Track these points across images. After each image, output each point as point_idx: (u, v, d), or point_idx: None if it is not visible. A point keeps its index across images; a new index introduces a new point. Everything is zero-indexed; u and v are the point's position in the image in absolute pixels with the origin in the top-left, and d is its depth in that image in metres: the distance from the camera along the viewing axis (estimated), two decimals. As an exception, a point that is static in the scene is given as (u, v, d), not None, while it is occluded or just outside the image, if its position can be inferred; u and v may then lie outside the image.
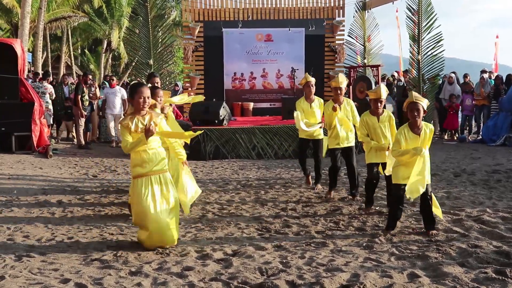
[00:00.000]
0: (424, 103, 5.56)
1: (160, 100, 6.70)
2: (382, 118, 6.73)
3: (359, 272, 4.36)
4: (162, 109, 6.80)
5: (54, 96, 15.55)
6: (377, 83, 15.63)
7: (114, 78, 15.20)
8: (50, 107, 15.20)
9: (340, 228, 6.08)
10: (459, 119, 16.47)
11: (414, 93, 5.63)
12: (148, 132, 5.09)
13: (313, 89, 8.43)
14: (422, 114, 5.54)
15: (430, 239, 5.42)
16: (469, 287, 4.03)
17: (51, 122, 15.68)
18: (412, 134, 5.59)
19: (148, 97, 5.26)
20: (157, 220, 5.12)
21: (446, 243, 5.20)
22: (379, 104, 6.65)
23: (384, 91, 6.62)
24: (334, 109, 7.55)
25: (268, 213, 6.88)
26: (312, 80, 8.43)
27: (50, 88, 15.40)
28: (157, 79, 7.85)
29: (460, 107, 16.40)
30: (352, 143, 7.81)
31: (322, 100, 8.51)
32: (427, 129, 5.61)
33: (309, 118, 8.35)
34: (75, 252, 5.12)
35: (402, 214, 5.97)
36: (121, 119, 5.51)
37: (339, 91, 7.67)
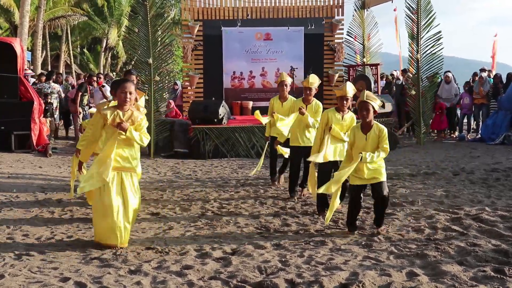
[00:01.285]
0: (375, 103, 5.52)
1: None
2: (346, 117, 6.67)
3: (358, 270, 4.37)
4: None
5: (63, 95, 15.61)
6: (376, 81, 15.66)
7: (101, 76, 15.29)
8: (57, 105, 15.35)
9: (339, 227, 6.10)
10: (460, 118, 16.51)
11: (367, 92, 5.60)
12: (121, 125, 5.12)
13: (287, 89, 8.41)
14: (371, 114, 5.52)
15: (428, 238, 5.43)
16: (468, 285, 4.04)
17: (58, 120, 15.77)
18: (361, 134, 5.60)
19: (130, 93, 5.25)
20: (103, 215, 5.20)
21: (444, 242, 5.22)
22: (344, 102, 6.60)
23: (350, 89, 6.57)
24: (302, 113, 7.47)
25: (267, 212, 6.89)
26: (288, 80, 8.41)
27: (58, 87, 15.46)
28: (133, 77, 7.58)
29: (459, 106, 16.44)
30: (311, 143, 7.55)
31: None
32: (377, 130, 5.57)
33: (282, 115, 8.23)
34: (74, 251, 5.13)
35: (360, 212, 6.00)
36: (100, 104, 5.49)
37: (308, 91, 7.63)
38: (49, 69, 29.66)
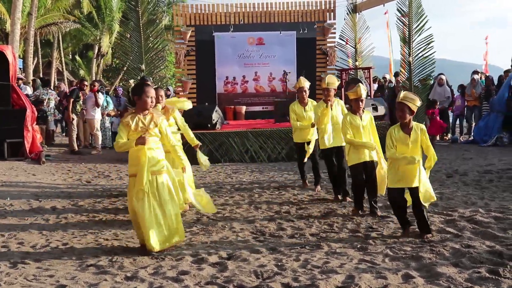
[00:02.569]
0: (410, 103, 5.53)
1: (161, 100, 6.82)
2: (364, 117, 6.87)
3: (354, 273, 4.39)
4: (166, 110, 6.92)
5: (57, 102, 15.70)
6: (369, 85, 15.69)
7: (96, 84, 15.30)
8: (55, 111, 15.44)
9: (334, 230, 6.11)
10: (452, 120, 16.54)
11: (405, 93, 5.62)
12: (140, 140, 5.13)
13: (307, 94, 8.55)
14: (407, 114, 5.53)
15: (423, 240, 5.46)
16: (463, 287, 4.07)
17: (54, 126, 15.82)
18: (403, 134, 5.61)
19: (154, 97, 5.37)
20: (143, 220, 5.19)
21: (439, 244, 5.24)
22: (360, 104, 6.76)
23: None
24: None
25: (262, 216, 6.90)
26: (306, 85, 8.53)
27: (54, 94, 15.46)
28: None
29: (451, 108, 16.50)
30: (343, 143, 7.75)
31: (314, 102, 8.60)
32: (418, 129, 5.60)
33: (303, 121, 8.53)
34: (70, 258, 5.12)
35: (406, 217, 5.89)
36: (125, 115, 5.51)
37: (326, 92, 7.80)
38: (41, 76, 29.62)
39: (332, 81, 7.80)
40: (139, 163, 5.21)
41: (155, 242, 5.18)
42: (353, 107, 6.79)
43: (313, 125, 8.27)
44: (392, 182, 5.68)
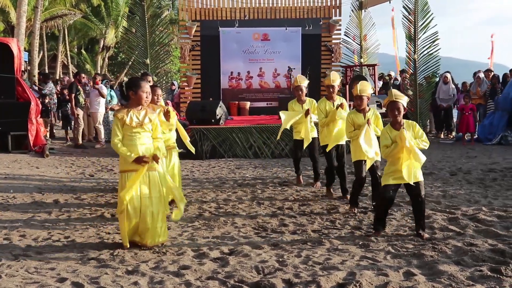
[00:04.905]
0: (404, 101, 5.51)
1: (158, 99, 6.74)
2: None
3: (355, 270, 4.38)
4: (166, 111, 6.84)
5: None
6: (374, 82, 15.66)
7: (98, 77, 15.22)
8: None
9: (336, 227, 6.10)
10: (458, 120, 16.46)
11: (394, 91, 5.60)
12: (139, 159, 5.11)
13: (304, 92, 8.46)
14: (402, 112, 5.50)
15: (420, 237, 5.44)
16: (465, 285, 4.05)
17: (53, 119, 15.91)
18: (397, 133, 5.54)
19: (149, 93, 5.34)
20: (132, 217, 5.17)
21: (441, 242, 5.23)
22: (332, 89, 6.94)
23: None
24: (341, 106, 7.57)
25: (264, 212, 6.89)
26: (303, 84, 8.45)
27: (53, 87, 15.52)
28: (150, 78, 7.67)
29: (456, 106, 16.44)
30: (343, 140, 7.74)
31: (314, 101, 8.47)
32: (410, 126, 5.54)
33: (301, 118, 8.41)
34: (71, 252, 5.13)
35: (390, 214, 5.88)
36: (116, 110, 5.49)
37: (331, 89, 7.72)
38: (46, 70, 29.67)
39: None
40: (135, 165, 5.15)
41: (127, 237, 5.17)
42: (354, 104, 6.77)
43: (307, 114, 8.14)
44: (389, 179, 5.61)
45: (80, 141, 14.22)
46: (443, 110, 16.23)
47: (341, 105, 7.50)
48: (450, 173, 9.65)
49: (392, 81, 18.49)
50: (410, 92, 14.95)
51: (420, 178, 5.52)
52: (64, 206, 7.24)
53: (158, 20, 13.86)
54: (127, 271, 4.48)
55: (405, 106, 5.54)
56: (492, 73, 16.04)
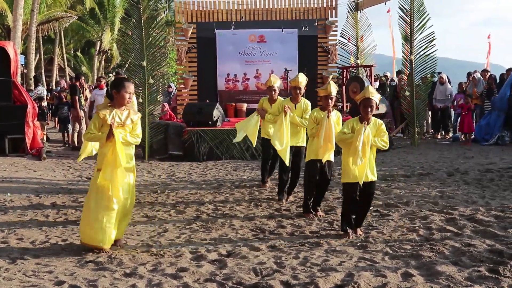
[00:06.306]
0: (377, 98, 5.53)
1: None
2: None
3: (353, 271, 4.38)
4: None
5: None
6: (370, 83, 15.69)
7: (102, 80, 15.15)
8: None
9: (334, 228, 6.10)
10: (454, 118, 16.50)
11: (370, 88, 5.60)
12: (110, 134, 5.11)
13: (276, 92, 8.29)
14: (374, 110, 5.52)
15: (423, 239, 5.45)
16: (463, 285, 4.06)
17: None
18: (359, 126, 5.52)
19: (132, 93, 5.30)
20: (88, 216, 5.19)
21: (439, 242, 5.23)
22: (329, 101, 6.55)
23: (333, 88, 6.57)
24: (285, 112, 7.44)
25: (262, 214, 6.89)
26: (276, 84, 8.28)
27: (43, 91, 15.51)
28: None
29: (452, 106, 16.47)
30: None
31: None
32: (376, 124, 5.59)
33: (269, 119, 8.27)
34: (69, 254, 5.11)
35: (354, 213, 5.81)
36: (98, 106, 5.47)
37: (298, 91, 7.60)
38: (42, 73, 29.63)
39: (302, 79, 7.51)
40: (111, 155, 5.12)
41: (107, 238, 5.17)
42: (323, 104, 6.65)
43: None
44: (350, 176, 5.58)
45: (77, 144, 14.20)
46: (439, 111, 16.28)
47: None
48: (448, 173, 9.66)
49: (388, 82, 18.51)
50: (407, 93, 14.96)
51: (373, 177, 5.60)
52: (62, 209, 7.23)
53: (155, 22, 13.82)
54: (125, 274, 4.47)
55: (378, 104, 5.61)
56: (489, 74, 16.09)
